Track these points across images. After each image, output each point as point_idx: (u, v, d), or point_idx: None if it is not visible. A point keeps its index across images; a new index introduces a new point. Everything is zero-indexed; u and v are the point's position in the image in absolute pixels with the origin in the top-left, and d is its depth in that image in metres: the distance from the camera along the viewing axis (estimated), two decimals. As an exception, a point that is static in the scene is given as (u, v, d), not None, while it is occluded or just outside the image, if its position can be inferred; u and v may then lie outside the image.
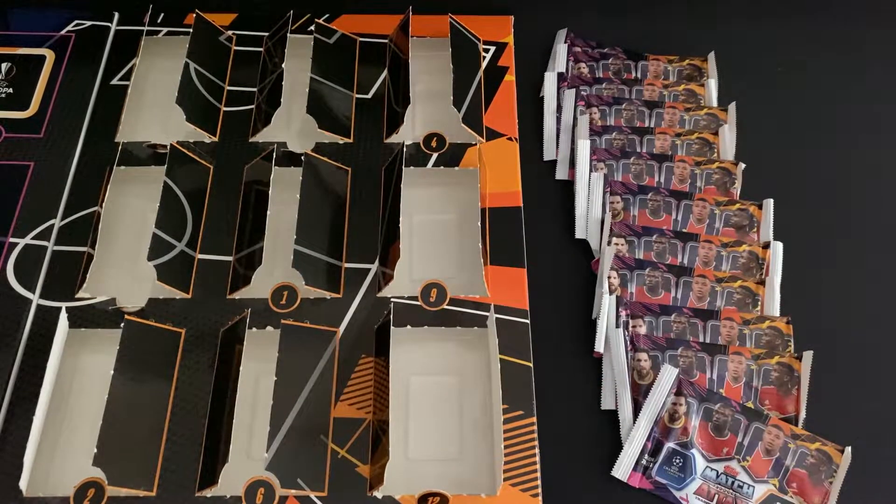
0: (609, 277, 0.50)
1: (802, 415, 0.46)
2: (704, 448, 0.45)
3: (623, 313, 0.49)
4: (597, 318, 0.50)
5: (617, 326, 0.49)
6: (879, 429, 0.47)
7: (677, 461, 0.45)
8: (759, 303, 0.50)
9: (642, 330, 0.49)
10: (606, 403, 0.48)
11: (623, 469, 0.45)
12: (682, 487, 0.45)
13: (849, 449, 0.45)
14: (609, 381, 0.48)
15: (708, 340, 0.49)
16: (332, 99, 0.56)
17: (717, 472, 0.45)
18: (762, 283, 0.50)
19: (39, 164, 0.53)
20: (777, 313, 0.50)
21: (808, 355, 0.47)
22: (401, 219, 0.49)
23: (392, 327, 0.47)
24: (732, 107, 0.57)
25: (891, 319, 0.51)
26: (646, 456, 0.45)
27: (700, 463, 0.45)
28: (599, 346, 0.49)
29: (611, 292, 0.50)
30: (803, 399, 0.47)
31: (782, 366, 0.47)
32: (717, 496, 0.44)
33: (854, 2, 0.64)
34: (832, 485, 0.44)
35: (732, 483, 0.44)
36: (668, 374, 0.46)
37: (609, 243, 0.51)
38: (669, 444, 0.45)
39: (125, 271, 0.50)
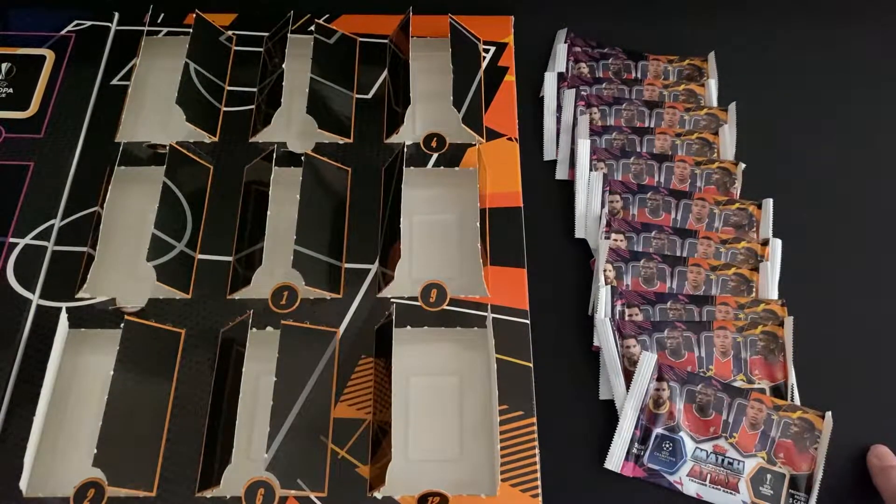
0: (605, 271, 0.50)
1: (791, 380, 0.47)
2: (691, 430, 0.46)
3: (619, 304, 0.49)
4: (595, 314, 0.50)
5: (613, 317, 0.49)
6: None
7: (667, 446, 0.45)
8: (754, 289, 0.50)
9: (639, 318, 0.49)
10: (603, 393, 0.48)
11: (615, 460, 0.46)
12: (674, 471, 0.45)
13: (829, 414, 0.46)
14: (605, 371, 0.48)
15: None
16: (332, 99, 0.56)
17: (707, 451, 0.45)
18: (756, 269, 0.51)
19: (39, 164, 0.52)
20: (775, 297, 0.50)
21: (788, 320, 0.48)
22: (401, 219, 0.49)
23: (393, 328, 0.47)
24: (732, 107, 0.57)
25: (891, 319, 0.51)
26: (636, 444, 0.46)
27: (689, 445, 0.45)
28: (597, 339, 0.49)
29: (606, 284, 0.50)
30: (790, 365, 0.47)
31: (766, 334, 0.48)
32: (709, 476, 0.45)
33: (853, 1, 0.64)
34: (817, 450, 0.45)
35: (723, 461, 0.45)
36: (648, 361, 0.47)
37: (604, 237, 0.51)
38: (657, 430, 0.46)
39: (125, 271, 0.50)
